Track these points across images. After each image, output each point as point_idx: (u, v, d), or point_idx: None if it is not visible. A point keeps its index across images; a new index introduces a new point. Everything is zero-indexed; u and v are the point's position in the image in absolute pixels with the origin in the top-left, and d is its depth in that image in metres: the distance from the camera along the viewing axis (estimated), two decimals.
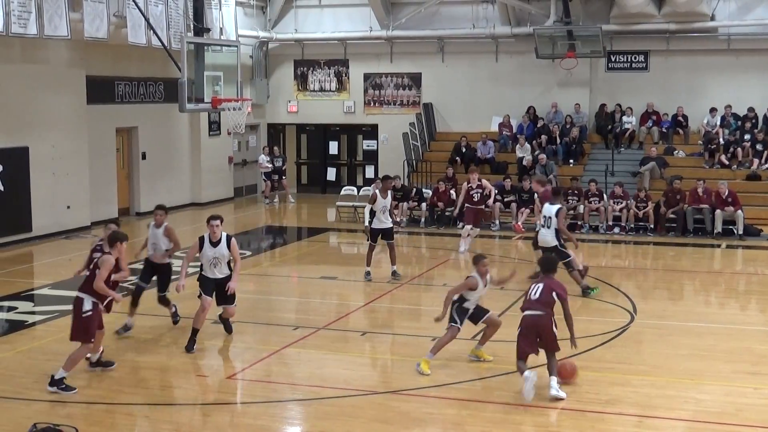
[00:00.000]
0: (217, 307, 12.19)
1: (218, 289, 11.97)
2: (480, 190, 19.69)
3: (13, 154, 19.97)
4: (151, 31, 20.07)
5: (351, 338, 12.83)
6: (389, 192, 16.47)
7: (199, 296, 12.00)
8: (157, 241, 12.67)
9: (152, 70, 24.27)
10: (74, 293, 10.53)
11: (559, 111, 26.99)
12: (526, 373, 9.82)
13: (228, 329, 12.58)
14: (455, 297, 11.11)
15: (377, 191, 16.30)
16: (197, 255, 11.91)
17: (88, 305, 10.22)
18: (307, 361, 11.69)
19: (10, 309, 14.52)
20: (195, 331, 11.90)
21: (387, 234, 16.30)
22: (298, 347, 12.20)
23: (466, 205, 19.64)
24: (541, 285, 10.14)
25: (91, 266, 10.50)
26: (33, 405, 9.79)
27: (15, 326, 13.46)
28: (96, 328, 10.39)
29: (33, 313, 14.37)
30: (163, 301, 12.93)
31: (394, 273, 16.36)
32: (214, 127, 27.45)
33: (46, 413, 9.50)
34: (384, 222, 16.17)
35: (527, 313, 10.08)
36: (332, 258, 20.39)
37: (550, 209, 15.03)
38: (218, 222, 11.85)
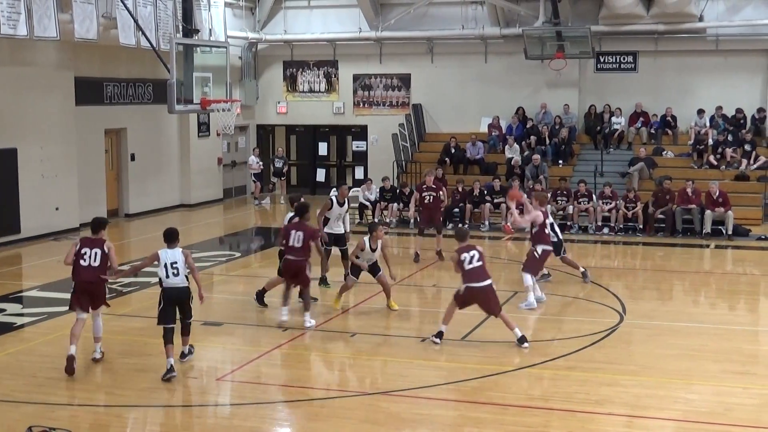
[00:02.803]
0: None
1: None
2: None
3: (1, 155, 19.89)
4: (140, 32, 20.01)
5: (341, 339, 12.82)
6: (346, 199, 16.01)
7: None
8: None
9: (141, 71, 24.21)
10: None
11: (548, 112, 27.03)
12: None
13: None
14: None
15: (334, 198, 15.84)
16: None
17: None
18: (297, 363, 11.67)
19: None
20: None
21: (341, 240, 15.99)
22: (288, 348, 12.19)
23: None
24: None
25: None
26: (21, 407, 9.75)
27: (3, 328, 13.38)
28: None
29: (21, 315, 14.30)
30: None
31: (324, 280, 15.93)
32: (204, 128, 27.39)
33: (36, 416, 9.46)
34: (338, 228, 15.90)
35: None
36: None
37: None
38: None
